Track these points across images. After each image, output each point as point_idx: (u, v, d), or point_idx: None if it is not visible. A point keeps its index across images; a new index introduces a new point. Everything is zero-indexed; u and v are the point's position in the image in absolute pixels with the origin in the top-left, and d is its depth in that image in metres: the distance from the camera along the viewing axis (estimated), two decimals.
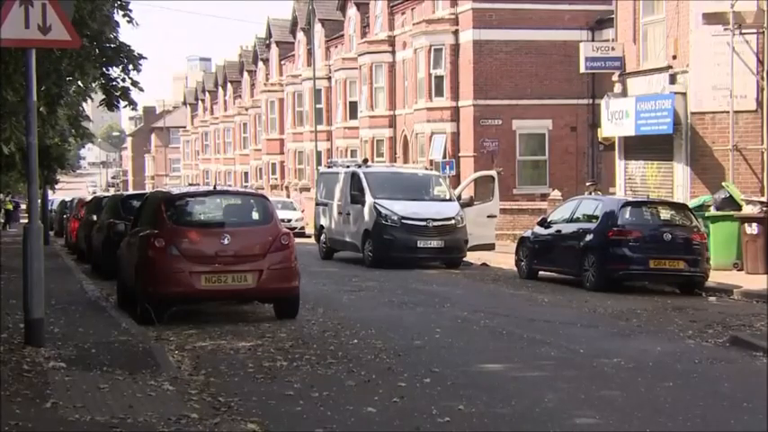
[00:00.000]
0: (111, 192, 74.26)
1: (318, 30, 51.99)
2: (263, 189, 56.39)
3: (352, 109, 46.45)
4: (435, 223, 21.36)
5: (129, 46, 12.80)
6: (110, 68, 12.98)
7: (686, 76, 22.21)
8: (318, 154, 46.83)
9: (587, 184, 27.86)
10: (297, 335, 11.08)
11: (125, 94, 13.03)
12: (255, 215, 12.80)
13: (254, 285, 11.92)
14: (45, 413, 6.64)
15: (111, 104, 13.12)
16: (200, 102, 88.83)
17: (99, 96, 14.12)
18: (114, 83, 12.95)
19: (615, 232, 16.96)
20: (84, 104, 19.82)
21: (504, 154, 33.74)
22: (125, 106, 13.51)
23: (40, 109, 13.44)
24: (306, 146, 52.82)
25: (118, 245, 14.40)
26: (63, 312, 12.38)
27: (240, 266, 11.88)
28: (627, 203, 17.79)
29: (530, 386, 8.22)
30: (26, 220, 9.83)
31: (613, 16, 25.86)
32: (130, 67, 12.78)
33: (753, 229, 19.18)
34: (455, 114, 35.38)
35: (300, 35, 55.69)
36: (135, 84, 13.00)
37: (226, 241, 11.88)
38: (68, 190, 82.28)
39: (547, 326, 12.13)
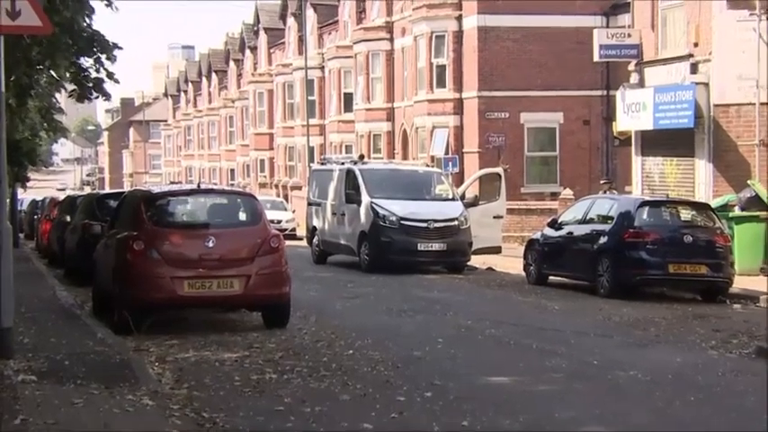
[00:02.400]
0: (86, 190, 74.17)
1: (310, 15, 52.02)
2: (250, 187, 56.37)
3: (347, 101, 46.45)
4: (437, 224, 21.37)
5: (103, 35, 12.79)
6: (82, 58, 12.97)
7: (709, 65, 22.21)
8: (311, 150, 46.83)
9: (601, 182, 27.85)
10: (287, 345, 11.08)
11: (98, 85, 13.01)
12: (243, 216, 12.80)
13: (240, 291, 11.92)
14: (14, 430, 6.63)
15: (82, 96, 13.11)
16: (182, 93, 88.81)
17: (72, 87, 14.10)
18: (87, 73, 12.94)
19: (631, 234, 16.97)
20: (56, 96, 19.81)
21: (512, 149, 33.75)
22: (96, 97, 13.50)
23: (9, 101, 13.43)
24: (297, 141, 52.83)
25: (93, 248, 14.39)
26: (34, 321, 12.37)
27: (226, 271, 11.88)
28: (644, 203, 17.81)
29: (539, 400, 8.22)
30: None
31: (629, 1, 25.88)
32: (104, 57, 12.77)
33: None
34: (458, 107, 35.39)
35: (291, 21, 55.72)
36: (110, 75, 12.99)
37: (210, 244, 11.88)
38: (40, 188, 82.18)
39: (557, 335, 12.14)
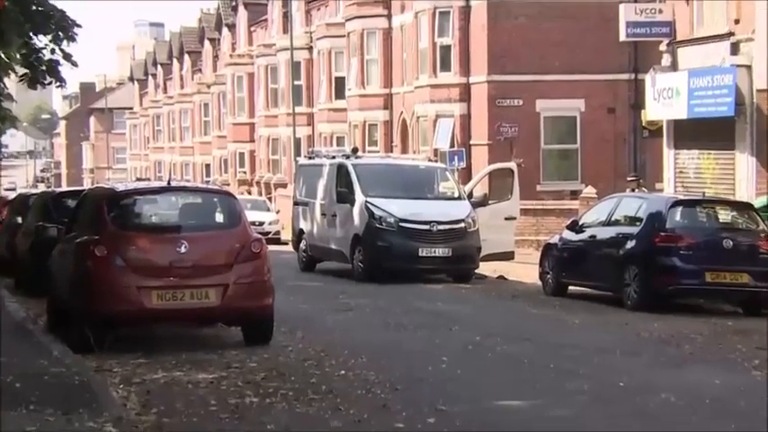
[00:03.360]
0: (41, 188, 74.11)
1: None
2: (228, 185, 56.37)
3: (339, 87, 46.44)
4: (441, 227, 21.39)
5: (62, 11, 12.75)
6: (36, 37, 12.92)
7: (751, 45, 22.22)
8: (297, 142, 46.82)
9: (628, 178, 27.89)
10: (270, 364, 11.09)
11: (53, 69, 12.94)
12: (219, 217, 12.82)
13: (217, 303, 11.93)
14: None
15: (34, 81, 13.05)
16: (150, 77, 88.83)
17: (23, 71, 14.04)
18: (40, 54, 12.89)
19: (663, 238, 16.99)
20: (4, 81, 19.75)
21: (526, 142, 33.77)
22: (50, 83, 13.44)
23: None
24: (281, 132, 52.82)
25: (49, 254, 14.37)
26: None
27: (201, 280, 11.90)
28: (677, 202, 17.84)
29: (557, 427, 8.22)
30: None
31: None
32: (61, 35, 12.72)
33: None
34: (465, 93, 35.41)
35: None
36: (67, 57, 12.93)
37: (183, 249, 11.88)
38: None
39: (578, 353, 12.16)
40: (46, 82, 13.35)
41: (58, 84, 13.28)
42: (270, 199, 48.75)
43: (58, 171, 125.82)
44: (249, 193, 51.74)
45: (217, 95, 66.07)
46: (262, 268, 12.27)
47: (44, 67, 12.91)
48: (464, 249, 21.57)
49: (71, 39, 12.79)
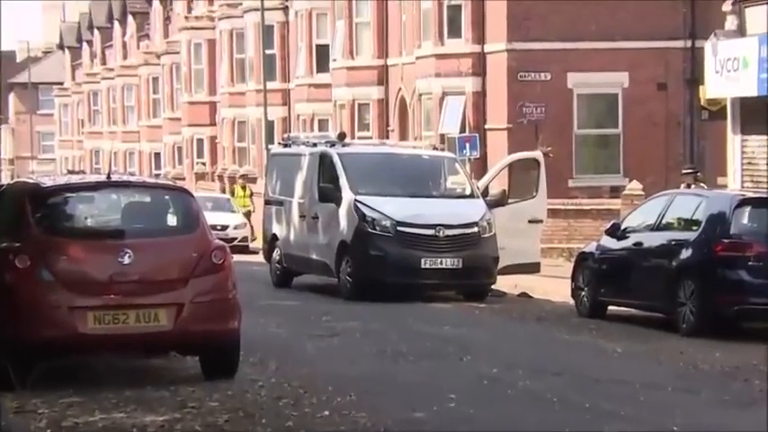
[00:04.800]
0: None
1: None
2: (183, 180, 56.31)
3: (322, 57, 46.41)
4: (449, 232, 21.40)
5: None
6: None
7: None
8: (269, 126, 46.76)
9: (683, 171, 27.84)
10: (236, 404, 11.08)
11: None
12: (172, 220, 12.82)
13: (169, 327, 11.93)
14: None
15: None
16: (85, 45, 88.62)
17: None
18: None
19: (726, 246, 17.00)
20: None
21: (555, 125, 33.72)
22: None
23: None
24: (250, 113, 52.78)
25: None
26: None
27: (149, 298, 11.89)
28: (744, 201, 17.81)
29: None
30: None
31: None
32: None
33: None
34: (479, 65, 35.39)
35: None
36: None
37: (126, 260, 11.87)
38: None
39: (621, 390, 12.15)
40: None
41: None
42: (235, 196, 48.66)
43: None
44: (234, 189, 51.52)
45: (168, 67, 65.96)
46: (225, 283, 12.27)
47: None
48: (477, 260, 21.55)
49: None
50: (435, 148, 26.40)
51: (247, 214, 42.51)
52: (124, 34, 78.32)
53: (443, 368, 13.49)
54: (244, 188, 45.59)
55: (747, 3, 24.74)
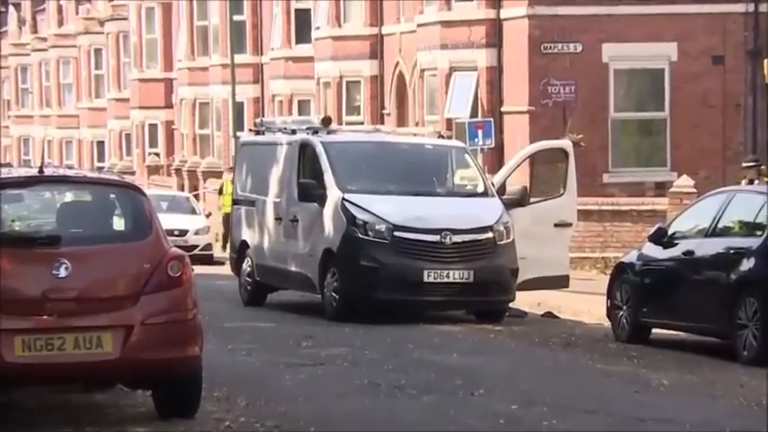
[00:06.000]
0: None
1: None
2: (133, 174, 56.27)
3: (302, 24, 46.51)
4: (458, 238, 21.42)
5: None
6: None
7: None
8: (237, 108, 46.79)
9: (744, 164, 27.82)
10: None
11: None
12: (119, 223, 12.78)
13: (115, 355, 11.85)
14: None
15: None
16: (11, 9, 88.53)
17: None
18: None
19: None
20: None
21: (587, 108, 33.81)
22: None
23: None
24: (213, 92, 52.84)
25: None
26: None
27: (90, 320, 11.81)
28: None
29: None
30: None
31: None
32: None
33: None
34: (494, 34, 35.46)
35: None
36: None
37: (63, 272, 11.80)
38: None
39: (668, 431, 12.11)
40: None
41: None
42: (197, 196, 48.70)
43: None
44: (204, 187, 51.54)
45: (114, 37, 66.02)
46: (184, 301, 12.20)
47: None
48: (492, 272, 21.57)
49: None
50: (441, 136, 26.29)
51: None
52: None
53: (451, 404, 13.45)
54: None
55: None
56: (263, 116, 41.92)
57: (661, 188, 32.41)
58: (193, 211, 42.24)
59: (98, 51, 69.68)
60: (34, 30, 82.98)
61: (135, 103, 62.19)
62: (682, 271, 18.66)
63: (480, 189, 22.91)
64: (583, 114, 33.50)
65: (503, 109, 35.02)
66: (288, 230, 23.38)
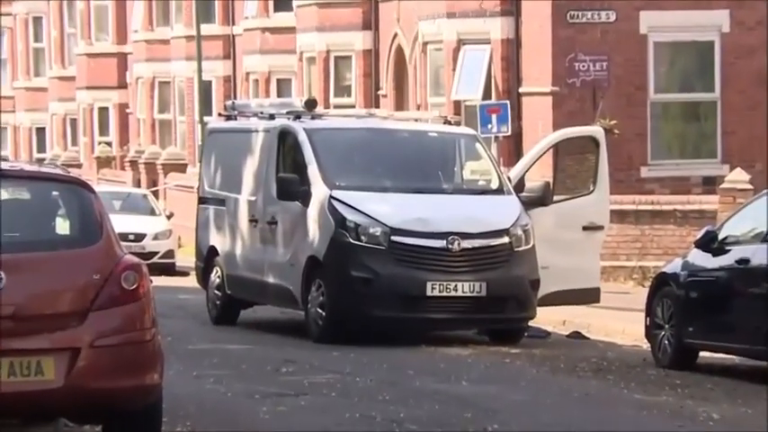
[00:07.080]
0: None
1: None
2: (80, 167, 56.33)
3: None
4: (467, 243, 21.52)
5: None
6: None
7: None
8: (204, 88, 46.88)
9: None
10: None
11: None
12: (63, 226, 12.80)
13: (59, 383, 11.86)
14: None
15: None
16: None
17: None
18: None
19: None
20: None
21: (621, 89, 33.92)
22: None
23: None
24: (174, 69, 52.97)
25: None
26: None
27: (28, 341, 11.83)
28: None
29: None
30: None
31: None
32: None
33: None
34: (511, 0, 35.45)
35: None
36: None
37: None
38: None
39: None
40: None
41: None
42: (156, 193, 48.79)
43: None
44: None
45: (57, 4, 66.11)
46: (140, 319, 12.21)
47: None
48: (508, 284, 21.68)
49: None
50: (447, 122, 26.40)
51: None
52: None
53: None
54: None
55: None
56: (234, 98, 41.94)
57: (710, 184, 32.50)
58: (152, 212, 42.29)
59: (37, 20, 69.80)
60: None
61: (82, 83, 62.19)
62: (735, 283, 18.71)
63: (494, 185, 23.02)
64: (617, 96, 33.63)
65: (521, 90, 35.09)
66: (265, 235, 23.47)
